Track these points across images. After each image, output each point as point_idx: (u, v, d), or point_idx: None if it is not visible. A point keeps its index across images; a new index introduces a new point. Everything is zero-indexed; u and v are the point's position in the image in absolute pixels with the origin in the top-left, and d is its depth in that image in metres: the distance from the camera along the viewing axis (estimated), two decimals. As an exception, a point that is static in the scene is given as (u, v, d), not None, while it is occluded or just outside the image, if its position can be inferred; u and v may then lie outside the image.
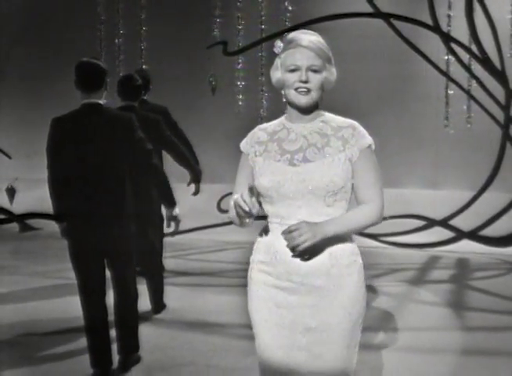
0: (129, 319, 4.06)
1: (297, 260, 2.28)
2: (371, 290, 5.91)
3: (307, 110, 2.36)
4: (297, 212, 2.29)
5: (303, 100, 2.31)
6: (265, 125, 2.46)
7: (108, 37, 8.34)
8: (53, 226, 8.39)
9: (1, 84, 9.40)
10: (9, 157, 9.01)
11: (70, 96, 8.42)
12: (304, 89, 2.30)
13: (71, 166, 3.82)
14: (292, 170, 2.30)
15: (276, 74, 2.36)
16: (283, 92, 2.36)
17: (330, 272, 2.30)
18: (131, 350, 4.06)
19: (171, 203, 4.15)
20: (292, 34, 2.36)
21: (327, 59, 2.33)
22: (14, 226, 8.66)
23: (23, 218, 8.58)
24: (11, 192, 8.93)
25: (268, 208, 2.37)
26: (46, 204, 8.54)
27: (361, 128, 2.36)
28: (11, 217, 8.59)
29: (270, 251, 2.34)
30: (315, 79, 2.30)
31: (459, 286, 6.24)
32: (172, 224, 4.20)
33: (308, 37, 2.32)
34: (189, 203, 8.35)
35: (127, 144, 3.82)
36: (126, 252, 3.93)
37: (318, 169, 2.28)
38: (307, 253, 2.26)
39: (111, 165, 3.80)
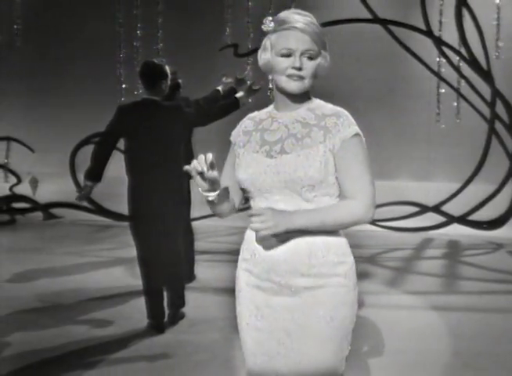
0: (177, 281, 4.78)
1: (275, 259, 2.11)
2: (374, 263, 6.67)
3: (295, 98, 2.13)
4: (275, 207, 2.08)
5: (294, 86, 2.09)
6: (254, 114, 2.26)
7: (127, 39, 8.92)
8: (74, 215, 9.11)
9: (29, 82, 9.92)
10: (33, 151, 9.63)
11: (93, 95, 9.14)
12: (298, 76, 2.08)
13: (131, 144, 4.49)
14: (268, 162, 2.10)
15: (265, 56, 2.12)
16: (270, 76, 2.14)
17: (310, 273, 2.09)
18: (179, 305, 4.78)
19: (235, 101, 4.83)
20: (285, 14, 2.11)
21: (322, 45, 2.11)
22: (38, 215, 9.30)
23: (48, 208, 9.25)
24: (34, 183, 9.52)
25: (251, 203, 2.20)
26: (66, 195, 9.20)
27: (346, 117, 2.11)
28: (37, 206, 9.26)
29: (250, 249, 2.18)
30: (309, 66, 2.09)
31: (451, 261, 6.99)
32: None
33: (302, 19, 2.07)
34: (193, 195, 9.05)
35: (186, 120, 4.54)
36: (183, 226, 4.64)
37: (292, 161, 2.07)
38: (269, 241, 2.09)
39: (169, 143, 4.46)
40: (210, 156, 2.01)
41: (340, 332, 2.11)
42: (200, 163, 2.00)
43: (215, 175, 2.04)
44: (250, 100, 5.06)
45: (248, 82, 5.09)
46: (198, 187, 2.09)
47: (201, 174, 2.02)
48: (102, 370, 3.99)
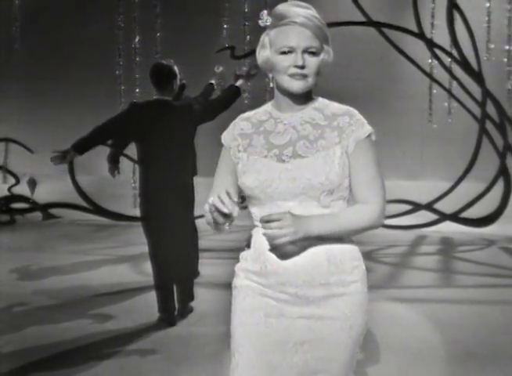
0: (187, 277, 4.95)
1: (292, 270, 1.97)
2: (371, 259, 6.86)
3: (299, 97, 2.00)
4: None
5: (297, 86, 1.95)
6: (248, 114, 2.09)
7: (126, 41, 9.05)
8: (73, 215, 9.22)
9: (27, 83, 10.01)
10: (32, 152, 9.74)
11: (92, 97, 9.25)
12: (301, 75, 1.94)
13: (142, 144, 4.62)
14: (281, 167, 1.96)
15: (264, 54, 1.99)
16: (270, 75, 1.99)
17: (329, 281, 1.98)
18: (188, 299, 4.94)
19: (237, 89, 5.02)
20: (282, 7, 1.95)
21: (325, 39, 1.96)
22: (37, 215, 9.40)
23: (47, 208, 9.36)
24: (32, 184, 9.61)
25: (255, 211, 2.04)
26: (64, 195, 9.30)
27: (359, 116, 2.00)
28: (36, 206, 9.37)
29: (260, 261, 2.01)
30: (312, 63, 1.94)
31: (445, 256, 7.21)
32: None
33: (303, 13, 1.92)
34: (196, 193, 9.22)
35: (196, 118, 4.71)
36: (190, 224, 4.79)
37: (311, 166, 1.94)
38: (285, 250, 1.95)
39: (180, 143, 4.61)
40: (231, 194, 1.88)
41: (357, 339, 2.05)
42: (226, 204, 1.85)
43: (238, 210, 1.89)
44: (249, 84, 5.30)
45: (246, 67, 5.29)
46: (211, 221, 1.94)
47: (225, 215, 1.86)
48: (119, 361, 4.14)
